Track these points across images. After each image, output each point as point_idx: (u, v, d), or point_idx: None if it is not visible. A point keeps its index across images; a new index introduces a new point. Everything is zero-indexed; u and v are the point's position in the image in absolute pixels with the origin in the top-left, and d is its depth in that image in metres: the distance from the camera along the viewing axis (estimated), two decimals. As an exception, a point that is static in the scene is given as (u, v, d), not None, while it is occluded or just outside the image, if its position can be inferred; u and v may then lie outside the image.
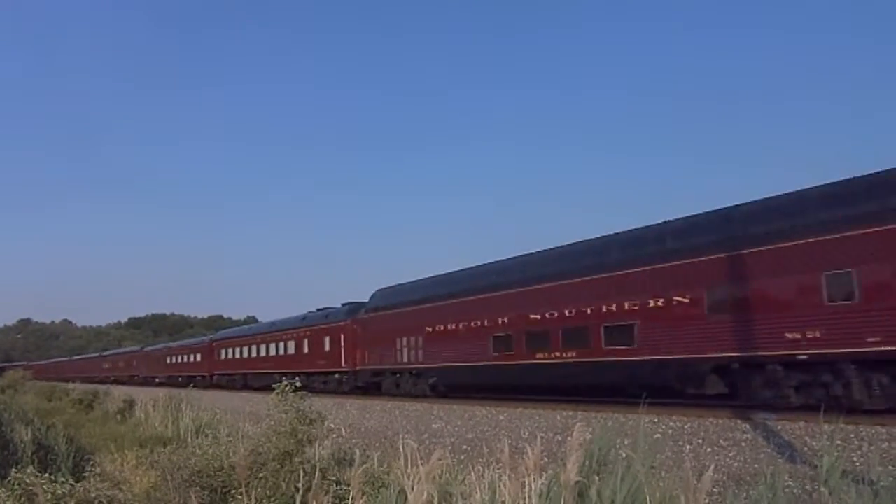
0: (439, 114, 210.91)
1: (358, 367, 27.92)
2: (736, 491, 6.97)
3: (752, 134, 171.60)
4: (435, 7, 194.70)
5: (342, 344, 29.17)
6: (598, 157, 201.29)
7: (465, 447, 13.02)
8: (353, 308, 30.06)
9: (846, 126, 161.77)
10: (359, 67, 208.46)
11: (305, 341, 32.99)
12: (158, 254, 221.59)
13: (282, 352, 35.69)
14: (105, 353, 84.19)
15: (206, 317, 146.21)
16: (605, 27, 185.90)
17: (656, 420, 14.19)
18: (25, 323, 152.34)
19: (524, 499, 4.71)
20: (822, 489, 4.72)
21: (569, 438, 4.87)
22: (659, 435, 12.98)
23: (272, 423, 7.36)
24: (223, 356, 44.48)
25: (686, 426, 13.62)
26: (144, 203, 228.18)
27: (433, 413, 19.59)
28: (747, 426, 12.84)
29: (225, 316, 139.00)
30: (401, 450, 6.33)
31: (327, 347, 30.43)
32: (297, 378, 8.45)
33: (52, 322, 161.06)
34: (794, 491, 6.67)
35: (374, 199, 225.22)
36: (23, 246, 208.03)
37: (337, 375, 29.61)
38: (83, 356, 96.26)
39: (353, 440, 14.01)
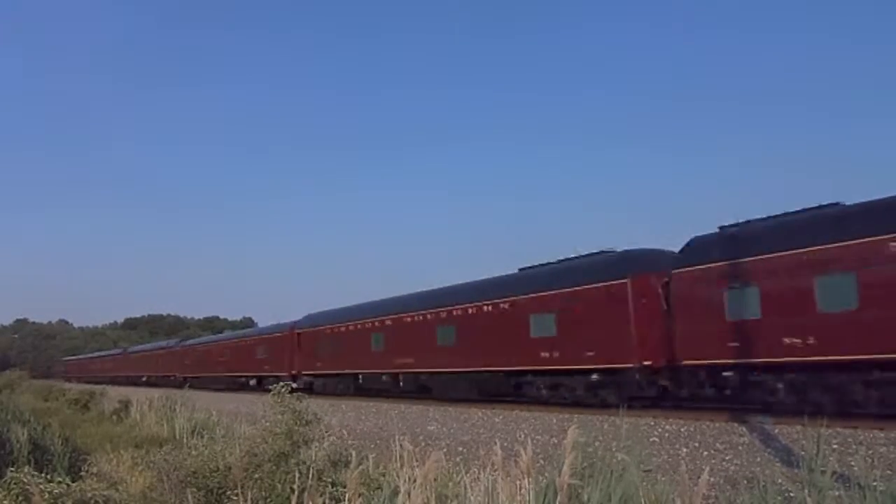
0: (437, 115, 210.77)
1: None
2: (731, 495, 6.98)
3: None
4: (438, 6, 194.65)
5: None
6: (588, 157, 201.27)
7: (460, 449, 13.00)
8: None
9: (846, 126, 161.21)
10: (359, 68, 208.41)
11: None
12: (155, 254, 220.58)
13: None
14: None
15: (201, 318, 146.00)
16: (604, 27, 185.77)
17: (652, 423, 14.22)
18: (22, 323, 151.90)
19: (519, 502, 4.71)
20: (806, 496, 4.72)
21: (564, 441, 4.87)
22: (655, 438, 13.00)
23: (268, 423, 7.36)
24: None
25: (682, 429, 13.65)
26: (142, 204, 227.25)
27: (429, 415, 19.59)
28: (744, 429, 12.87)
29: (221, 317, 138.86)
30: (396, 452, 6.34)
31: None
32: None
33: (49, 322, 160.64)
34: (790, 495, 6.68)
35: (375, 202, 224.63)
36: (20, 245, 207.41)
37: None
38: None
39: (350, 442, 14.00)
